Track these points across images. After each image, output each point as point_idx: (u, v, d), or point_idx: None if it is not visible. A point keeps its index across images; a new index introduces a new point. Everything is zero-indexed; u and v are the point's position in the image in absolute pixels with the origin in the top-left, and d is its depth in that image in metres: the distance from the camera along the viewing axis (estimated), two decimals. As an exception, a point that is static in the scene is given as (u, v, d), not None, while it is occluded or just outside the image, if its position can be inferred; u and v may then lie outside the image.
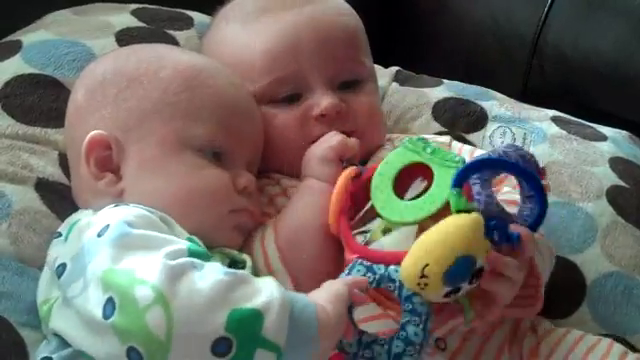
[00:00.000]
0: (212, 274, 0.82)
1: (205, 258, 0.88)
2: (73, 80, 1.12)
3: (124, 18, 1.31)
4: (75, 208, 1.04)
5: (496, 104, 1.40)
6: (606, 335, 1.13)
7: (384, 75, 1.42)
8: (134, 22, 1.31)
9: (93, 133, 1.00)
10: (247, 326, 0.80)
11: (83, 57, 1.20)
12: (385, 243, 0.94)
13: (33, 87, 1.15)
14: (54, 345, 0.91)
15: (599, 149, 1.34)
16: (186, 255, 0.85)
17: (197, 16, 1.38)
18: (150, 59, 1.05)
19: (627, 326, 1.17)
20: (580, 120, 1.42)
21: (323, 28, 1.14)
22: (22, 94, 1.14)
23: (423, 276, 0.85)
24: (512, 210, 0.98)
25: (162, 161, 1.00)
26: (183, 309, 0.79)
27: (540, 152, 1.31)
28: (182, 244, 0.87)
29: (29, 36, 1.24)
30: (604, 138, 1.37)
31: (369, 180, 0.98)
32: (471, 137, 1.34)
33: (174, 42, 1.30)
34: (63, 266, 0.89)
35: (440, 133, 1.33)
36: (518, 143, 1.32)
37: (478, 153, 1.17)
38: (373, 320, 0.96)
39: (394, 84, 1.42)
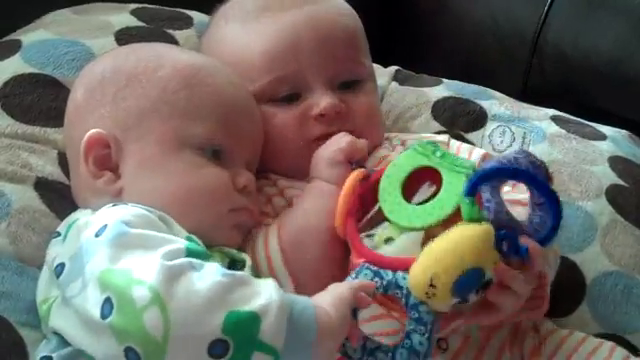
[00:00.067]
0: (210, 275, 0.82)
1: (204, 257, 0.87)
2: (72, 79, 1.12)
3: (123, 17, 1.31)
4: (74, 207, 1.04)
5: (495, 103, 1.40)
6: (606, 334, 1.13)
7: (383, 74, 1.42)
8: (133, 22, 1.31)
9: (92, 132, 1.00)
10: (244, 329, 0.80)
11: (82, 56, 1.20)
12: (389, 250, 0.93)
13: (32, 86, 1.15)
14: (54, 344, 0.91)
15: (598, 148, 1.34)
16: (184, 255, 0.85)
17: (196, 15, 1.38)
18: (149, 58, 1.05)
19: (627, 325, 1.18)
20: (579, 119, 1.42)
21: (323, 28, 1.14)
22: (21, 93, 1.14)
23: (432, 285, 0.85)
24: (517, 210, 0.97)
25: (161, 160, 1.00)
26: (180, 310, 0.79)
27: (539, 151, 1.31)
28: (180, 243, 0.87)
29: (29, 35, 1.24)
30: (603, 137, 1.37)
31: (377, 182, 0.98)
32: (470, 136, 1.34)
33: (173, 41, 1.30)
34: (62, 266, 0.90)
35: (439, 132, 1.32)
36: (517, 142, 1.32)
37: (477, 152, 1.17)
38: (376, 320, 0.96)
39: (393, 83, 1.42)
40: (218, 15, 1.22)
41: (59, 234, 0.98)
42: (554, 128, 1.36)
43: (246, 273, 0.90)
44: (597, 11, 1.71)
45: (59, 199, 1.07)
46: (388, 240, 0.94)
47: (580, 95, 1.71)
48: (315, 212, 1.02)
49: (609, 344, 1.06)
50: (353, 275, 0.92)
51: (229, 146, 1.03)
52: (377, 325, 0.96)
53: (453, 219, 0.90)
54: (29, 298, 0.98)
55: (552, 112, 1.42)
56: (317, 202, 1.02)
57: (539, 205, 0.93)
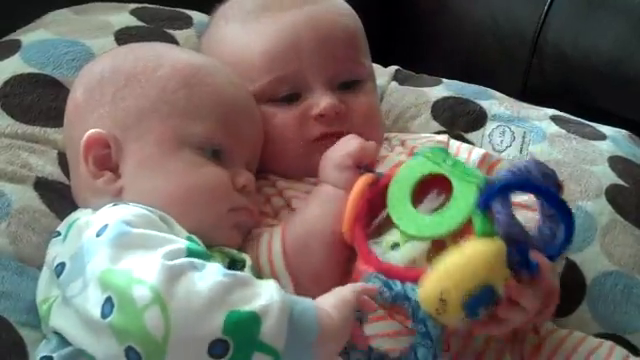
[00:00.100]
0: (211, 275, 0.82)
1: (204, 257, 0.87)
2: (72, 79, 1.12)
3: (123, 17, 1.31)
4: (74, 207, 1.04)
5: (495, 103, 1.40)
6: (606, 334, 1.13)
7: (383, 74, 1.42)
8: (133, 21, 1.31)
9: (91, 132, 1.00)
10: (244, 329, 0.80)
11: (82, 56, 1.20)
12: (395, 256, 0.93)
13: (32, 86, 1.15)
14: (54, 344, 0.91)
15: (598, 148, 1.34)
16: (185, 255, 0.85)
17: (196, 15, 1.38)
18: (148, 57, 1.05)
19: (627, 325, 1.18)
20: (579, 119, 1.42)
21: (323, 28, 1.14)
22: (21, 93, 1.14)
23: (442, 300, 0.84)
24: (522, 213, 0.97)
25: (161, 159, 1.00)
26: (180, 310, 0.79)
27: (539, 151, 1.31)
28: (181, 243, 0.87)
29: (28, 35, 1.24)
30: (603, 137, 1.37)
31: (386, 187, 0.97)
32: (470, 136, 1.34)
33: (173, 41, 1.30)
34: (62, 265, 0.90)
35: (439, 132, 1.32)
36: (517, 142, 1.32)
37: (477, 152, 1.18)
38: (377, 321, 0.96)
39: (393, 83, 1.42)
40: (218, 15, 1.22)
41: (59, 234, 0.98)
42: (554, 128, 1.36)
43: (247, 273, 0.89)
44: (597, 11, 1.71)
45: (59, 199, 1.07)
46: (394, 246, 0.94)
47: (580, 95, 1.71)
48: (321, 216, 1.01)
49: (608, 344, 1.06)
50: (361, 283, 0.91)
51: (229, 146, 1.03)
52: (379, 326, 0.96)
53: (463, 230, 0.89)
54: (29, 298, 0.97)
55: (552, 112, 1.42)
56: (323, 206, 1.02)
57: (549, 216, 0.92)
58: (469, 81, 1.48)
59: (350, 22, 1.19)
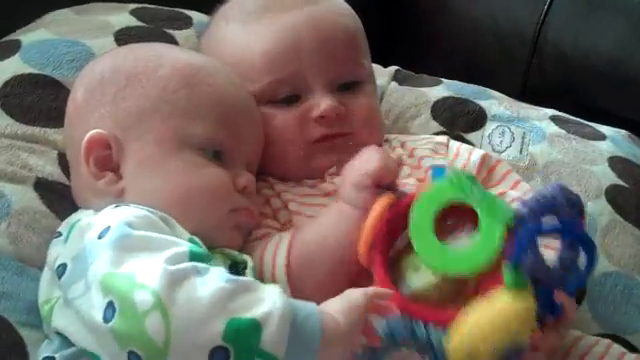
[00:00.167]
0: (214, 280, 0.82)
1: (206, 260, 0.88)
2: (72, 80, 1.12)
3: (123, 18, 1.31)
4: (75, 207, 1.04)
5: (495, 103, 1.40)
6: (605, 335, 1.13)
7: (383, 74, 1.42)
8: (133, 21, 1.31)
9: (92, 132, 1.00)
10: (245, 337, 0.80)
11: (82, 57, 1.20)
12: (414, 282, 0.91)
13: (32, 87, 1.15)
14: (56, 344, 0.91)
15: (598, 148, 1.34)
16: (187, 258, 0.85)
17: (196, 15, 1.38)
18: (148, 57, 1.05)
19: (627, 325, 1.17)
20: (579, 119, 1.42)
21: (324, 28, 1.14)
22: (21, 94, 1.14)
23: (470, 354, 0.83)
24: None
25: (161, 159, 1.00)
26: (181, 316, 0.79)
27: (539, 151, 1.31)
28: (184, 246, 0.87)
29: (28, 36, 1.24)
30: (603, 137, 1.37)
31: (407, 207, 0.93)
32: (470, 136, 1.34)
33: (173, 41, 1.29)
34: (64, 266, 0.90)
35: (439, 132, 1.33)
36: (517, 142, 1.32)
37: (476, 153, 1.17)
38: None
39: (393, 83, 1.42)
40: (218, 15, 1.22)
41: (60, 234, 0.98)
42: (554, 128, 1.36)
43: (251, 278, 0.89)
44: (597, 11, 1.71)
45: (59, 199, 1.07)
46: (415, 269, 0.92)
47: (580, 95, 1.72)
48: (332, 234, 0.99)
49: (605, 341, 1.06)
50: (384, 323, 0.89)
51: (229, 146, 1.03)
52: None
53: (488, 270, 0.87)
54: (29, 298, 0.98)
55: (551, 112, 1.42)
56: (337, 225, 1.00)
57: (570, 244, 0.90)
58: (469, 81, 1.48)
59: (350, 22, 1.19)
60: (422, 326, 0.88)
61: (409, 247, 0.92)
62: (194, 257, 0.86)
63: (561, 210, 0.88)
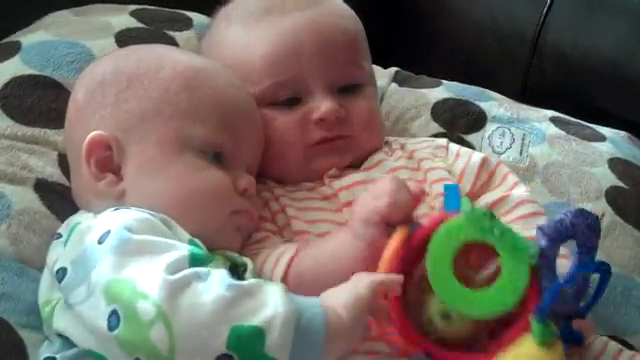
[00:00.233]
0: (215, 287, 0.82)
1: (207, 262, 0.88)
2: (72, 81, 1.13)
3: (123, 19, 1.31)
4: (75, 208, 1.04)
5: (495, 104, 1.40)
6: (605, 336, 1.13)
7: (383, 76, 1.42)
8: (133, 23, 1.31)
9: (93, 134, 1.00)
10: (248, 344, 0.80)
11: (82, 58, 1.20)
12: (445, 329, 0.89)
13: (32, 88, 1.15)
14: (57, 346, 0.91)
15: (598, 150, 1.34)
16: (188, 263, 0.85)
17: (196, 17, 1.38)
18: (149, 59, 1.05)
19: (626, 327, 1.17)
20: (579, 121, 1.42)
21: (324, 31, 1.14)
22: (21, 95, 1.14)
23: None
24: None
25: (162, 161, 1.00)
26: (184, 326, 0.80)
27: (539, 153, 1.31)
28: (184, 250, 0.87)
29: (28, 37, 1.24)
30: (603, 139, 1.37)
31: (421, 240, 0.89)
32: (470, 138, 1.34)
33: (173, 43, 1.30)
34: (63, 270, 0.90)
35: (439, 133, 1.33)
36: (517, 144, 1.32)
37: (476, 156, 1.17)
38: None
39: (393, 85, 1.42)
40: (219, 17, 1.22)
41: (60, 236, 0.98)
42: (553, 129, 1.36)
43: (252, 280, 0.89)
44: (597, 11, 1.71)
45: (59, 200, 1.07)
46: (445, 316, 0.88)
47: (580, 95, 1.72)
48: (330, 261, 0.97)
49: (603, 339, 1.06)
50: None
51: (230, 149, 1.03)
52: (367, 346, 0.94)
53: (516, 310, 0.86)
54: (29, 299, 0.98)
55: (551, 113, 1.42)
56: (336, 253, 0.98)
57: (584, 275, 0.91)
58: (469, 81, 1.48)
59: (351, 25, 1.19)
60: None
61: (428, 287, 0.88)
62: (194, 260, 0.86)
63: (580, 236, 0.88)
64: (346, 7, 1.22)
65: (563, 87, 1.75)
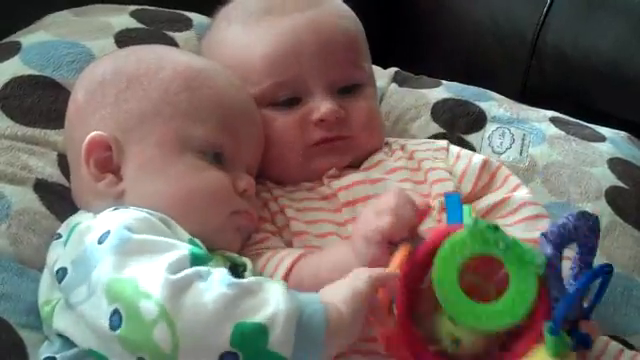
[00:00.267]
0: (217, 286, 0.82)
1: (207, 260, 0.88)
2: (72, 81, 1.13)
3: (123, 19, 1.31)
4: (74, 209, 1.04)
5: (495, 105, 1.40)
6: (605, 336, 1.13)
7: (383, 76, 1.42)
8: (133, 23, 1.31)
9: (93, 134, 1.00)
10: (252, 341, 0.80)
11: (82, 58, 1.20)
12: (458, 355, 0.88)
13: (32, 88, 1.15)
14: (57, 345, 0.91)
15: (598, 150, 1.34)
16: (189, 263, 0.85)
17: (196, 17, 1.38)
18: (149, 60, 1.05)
19: (627, 327, 1.17)
20: (579, 121, 1.42)
21: (324, 32, 1.14)
22: (21, 95, 1.14)
23: None
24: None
25: (162, 162, 1.00)
26: (188, 325, 0.80)
27: (539, 153, 1.31)
28: (184, 249, 0.87)
29: (28, 37, 1.24)
30: (603, 139, 1.37)
31: (425, 256, 0.89)
32: (470, 138, 1.34)
33: (173, 43, 1.29)
34: (64, 270, 0.90)
35: (439, 134, 1.33)
36: (517, 144, 1.32)
37: (477, 157, 1.17)
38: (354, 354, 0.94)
39: (393, 85, 1.42)
40: (219, 17, 1.22)
41: (60, 236, 0.98)
42: (553, 130, 1.36)
43: (253, 278, 0.89)
44: (597, 12, 1.71)
45: (59, 201, 1.07)
46: (456, 341, 0.87)
47: (580, 96, 1.72)
48: (327, 276, 0.94)
49: (604, 339, 1.06)
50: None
51: (230, 149, 1.03)
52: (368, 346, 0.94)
53: (525, 322, 0.86)
54: (29, 300, 0.98)
55: (551, 114, 1.42)
56: (334, 267, 0.96)
57: (585, 265, 0.91)
58: (469, 82, 1.48)
59: (351, 25, 1.19)
60: None
61: (437, 303, 0.87)
62: (195, 260, 0.86)
63: (582, 238, 0.88)
64: (346, 7, 1.22)
65: (563, 87, 1.75)
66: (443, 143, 1.20)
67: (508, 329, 0.86)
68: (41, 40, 1.23)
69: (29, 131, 1.12)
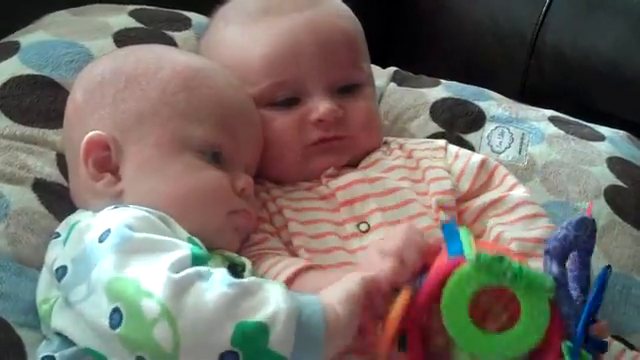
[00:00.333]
0: (218, 286, 0.82)
1: (206, 260, 0.88)
2: (71, 81, 1.12)
3: (122, 19, 1.31)
4: (73, 208, 1.04)
5: (494, 104, 1.40)
6: (606, 336, 1.13)
7: (382, 75, 1.42)
8: (132, 23, 1.31)
9: (91, 134, 1.00)
10: (253, 340, 0.80)
11: (81, 58, 1.20)
12: None
13: (31, 88, 1.15)
14: (56, 344, 0.91)
15: (597, 149, 1.34)
16: (190, 262, 0.85)
17: (195, 17, 1.38)
18: (148, 59, 1.05)
19: (626, 326, 1.17)
20: (578, 120, 1.42)
21: (322, 32, 1.14)
22: (20, 95, 1.14)
23: None
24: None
25: (160, 162, 1.00)
26: (189, 324, 0.80)
27: (538, 152, 1.31)
28: (186, 249, 0.87)
29: (27, 37, 1.24)
30: (602, 138, 1.37)
31: (430, 296, 0.86)
32: (469, 137, 1.34)
33: (172, 43, 1.29)
34: (63, 269, 0.90)
35: (438, 133, 1.33)
36: (516, 143, 1.32)
37: (476, 157, 1.17)
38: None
39: (392, 84, 1.42)
40: (218, 17, 1.22)
41: (59, 235, 0.98)
42: (552, 129, 1.36)
43: (253, 278, 0.89)
44: (596, 12, 1.71)
45: (58, 200, 1.07)
46: None
47: (579, 96, 1.72)
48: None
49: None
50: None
51: (228, 149, 1.03)
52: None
53: (541, 344, 0.86)
54: (28, 299, 0.98)
55: (550, 113, 1.42)
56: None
57: (583, 266, 0.91)
58: (469, 81, 1.48)
59: (350, 25, 1.18)
60: None
61: (449, 338, 0.87)
62: (196, 260, 0.86)
63: (582, 244, 0.88)
64: (345, 7, 1.21)
65: (562, 87, 1.75)
66: (441, 142, 1.20)
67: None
68: (40, 40, 1.23)
69: (28, 130, 1.12)
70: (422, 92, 1.40)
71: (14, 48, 1.21)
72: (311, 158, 1.12)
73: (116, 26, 1.29)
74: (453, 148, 1.20)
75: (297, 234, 1.06)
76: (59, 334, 0.91)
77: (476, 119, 1.36)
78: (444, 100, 1.39)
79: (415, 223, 1.05)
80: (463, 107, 1.38)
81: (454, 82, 1.46)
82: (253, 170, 1.09)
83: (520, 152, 1.32)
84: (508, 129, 1.35)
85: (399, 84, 1.42)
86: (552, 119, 1.39)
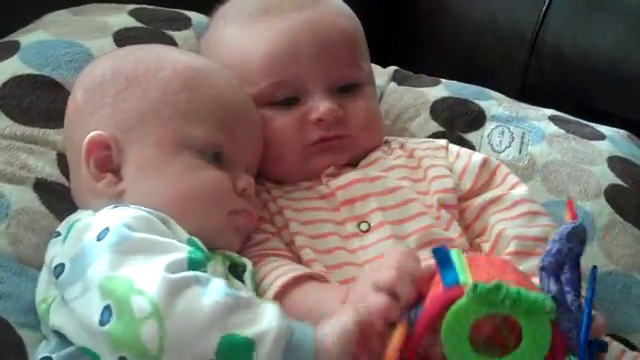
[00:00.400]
0: (214, 293, 0.82)
1: (205, 263, 0.88)
2: (71, 81, 1.12)
3: (122, 18, 1.31)
4: (74, 208, 1.04)
5: (494, 103, 1.40)
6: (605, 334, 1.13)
7: (382, 75, 1.42)
8: (132, 22, 1.31)
9: (93, 134, 1.00)
10: (236, 354, 0.80)
11: (81, 58, 1.20)
12: None
13: (31, 88, 1.15)
14: (53, 345, 0.91)
15: (597, 148, 1.34)
16: (186, 266, 0.85)
17: (195, 16, 1.38)
18: (148, 59, 1.05)
19: (626, 325, 1.17)
20: (578, 119, 1.42)
21: (322, 31, 1.13)
22: (20, 95, 1.14)
23: None
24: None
25: (161, 162, 1.00)
26: (177, 328, 0.79)
27: (538, 151, 1.31)
28: (183, 252, 0.87)
29: (27, 37, 1.24)
30: (602, 137, 1.37)
31: (427, 329, 0.84)
32: (469, 136, 1.34)
33: (172, 42, 1.29)
34: (61, 266, 0.90)
35: (438, 132, 1.33)
36: (516, 142, 1.33)
37: (476, 156, 1.17)
38: None
39: (392, 84, 1.42)
40: (217, 16, 1.22)
41: (59, 234, 0.98)
42: (553, 128, 1.36)
43: (251, 294, 0.89)
44: (596, 11, 1.71)
45: (58, 200, 1.07)
46: None
47: (579, 95, 1.72)
48: (323, 315, 0.89)
49: (606, 339, 1.06)
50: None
51: (229, 149, 1.03)
52: None
53: None
54: (28, 299, 0.97)
55: (550, 112, 1.42)
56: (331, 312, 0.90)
57: (575, 265, 0.89)
58: (469, 81, 1.48)
59: (349, 24, 1.18)
60: None
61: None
62: (192, 264, 0.86)
63: (574, 253, 0.87)
64: (344, 6, 1.21)
65: (562, 87, 1.75)
66: (443, 142, 1.20)
67: None
68: (40, 39, 1.23)
69: (28, 130, 1.12)
70: (422, 91, 1.40)
71: (14, 48, 1.21)
72: (311, 158, 1.12)
73: (116, 25, 1.29)
74: (454, 147, 1.19)
75: (298, 234, 1.06)
76: (57, 334, 0.91)
77: (476, 118, 1.36)
78: (444, 99, 1.39)
79: (415, 223, 1.06)
80: (463, 106, 1.38)
81: (454, 81, 1.46)
82: (254, 170, 1.09)
83: (520, 151, 1.32)
84: (508, 128, 1.35)
85: (399, 83, 1.42)
86: (552, 118, 1.39)
